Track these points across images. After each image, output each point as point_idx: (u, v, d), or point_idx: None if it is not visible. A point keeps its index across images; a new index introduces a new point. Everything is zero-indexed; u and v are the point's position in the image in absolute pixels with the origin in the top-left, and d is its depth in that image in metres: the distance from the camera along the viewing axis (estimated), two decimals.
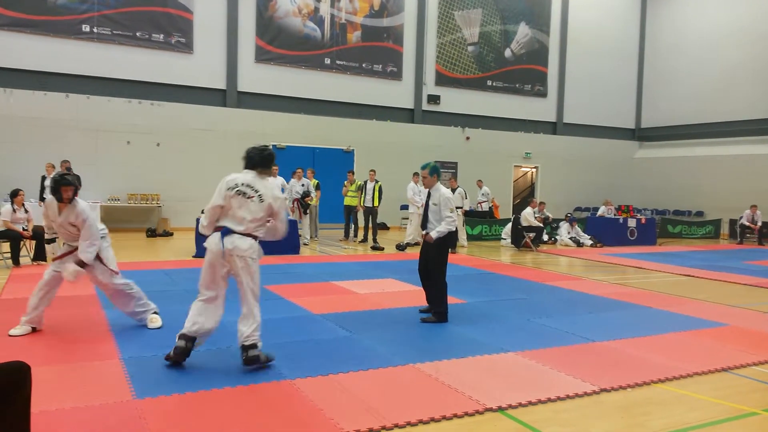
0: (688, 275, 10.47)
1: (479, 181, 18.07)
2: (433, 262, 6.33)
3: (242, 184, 4.58)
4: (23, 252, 9.61)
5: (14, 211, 9.42)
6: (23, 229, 9.46)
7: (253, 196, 4.56)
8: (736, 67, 20.77)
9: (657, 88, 23.58)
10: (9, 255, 9.33)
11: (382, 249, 13.07)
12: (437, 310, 6.30)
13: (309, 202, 13.71)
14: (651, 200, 22.48)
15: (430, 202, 6.38)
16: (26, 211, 9.69)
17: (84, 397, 3.88)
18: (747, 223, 17.48)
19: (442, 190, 6.32)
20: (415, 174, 14.83)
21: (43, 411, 3.58)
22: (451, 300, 7.45)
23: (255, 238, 4.61)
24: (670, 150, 22.89)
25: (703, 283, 9.79)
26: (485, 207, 17.42)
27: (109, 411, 3.69)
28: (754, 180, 19.59)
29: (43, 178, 12.84)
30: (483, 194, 17.62)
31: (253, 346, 4.48)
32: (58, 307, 6.53)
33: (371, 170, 14.72)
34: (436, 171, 6.41)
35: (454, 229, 6.27)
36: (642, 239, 16.12)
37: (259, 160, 4.69)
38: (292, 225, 12.28)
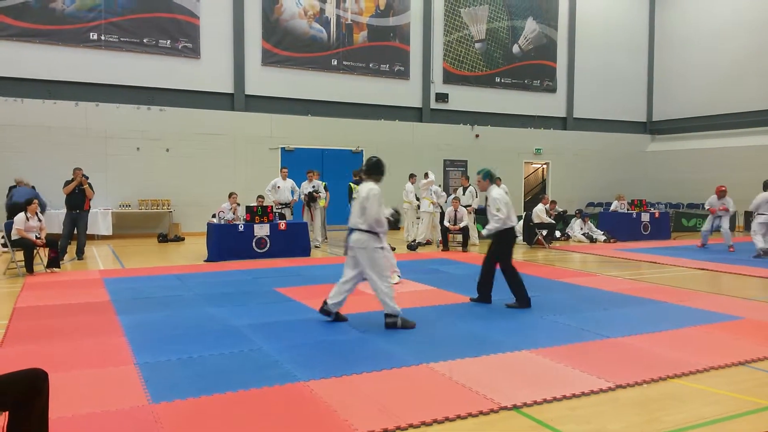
0: (703, 269, 10.37)
1: (497, 179, 17.84)
2: (491, 255, 7.11)
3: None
4: (36, 260, 9.71)
5: (27, 219, 9.51)
6: (36, 238, 9.55)
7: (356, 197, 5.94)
8: (747, 57, 20.52)
9: (668, 80, 23.34)
10: (23, 263, 9.42)
11: (394, 249, 13.02)
12: (517, 296, 7.05)
13: (316, 196, 13.76)
14: (664, 194, 22.26)
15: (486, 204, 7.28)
16: (39, 220, 9.77)
17: (100, 403, 3.91)
18: None
19: (493, 192, 6.98)
20: (412, 176, 14.86)
21: (60, 417, 3.61)
22: (464, 299, 7.44)
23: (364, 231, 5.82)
24: (682, 143, 22.65)
25: (719, 276, 9.69)
26: None
27: (125, 416, 3.72)
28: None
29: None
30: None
31: (388, 315, 5.86)
32: (72, 314, 6.60)
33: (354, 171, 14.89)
34: (489, 176, 7.18)
35: (500, 225, 6.91)
36: (656, 234, 15.97)
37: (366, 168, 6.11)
38: (303, 227, 12.33)
